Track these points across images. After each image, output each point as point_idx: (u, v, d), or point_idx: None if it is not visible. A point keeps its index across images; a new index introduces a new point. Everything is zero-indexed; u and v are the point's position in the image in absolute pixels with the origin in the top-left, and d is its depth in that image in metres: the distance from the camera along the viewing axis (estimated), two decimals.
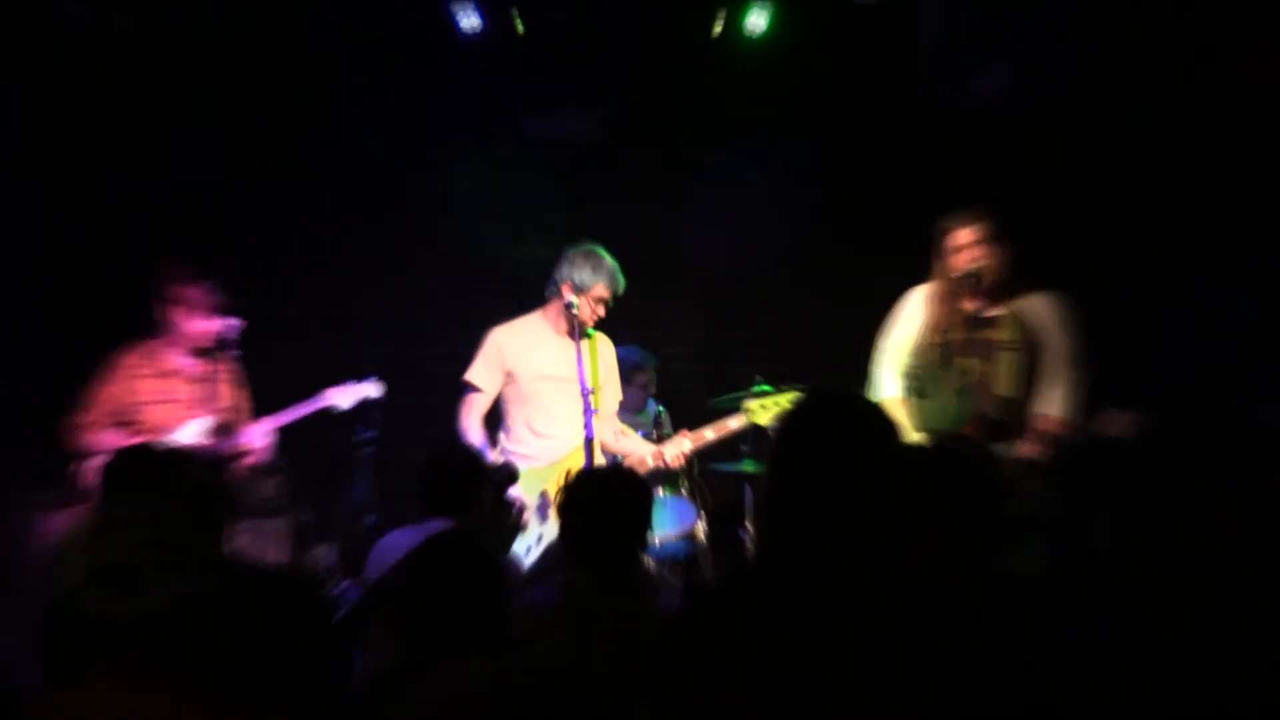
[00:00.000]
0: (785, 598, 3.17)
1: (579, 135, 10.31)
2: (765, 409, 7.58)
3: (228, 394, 7.71)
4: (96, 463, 7.58)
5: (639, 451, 7.74)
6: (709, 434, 7.73)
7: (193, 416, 7.64)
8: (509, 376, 7.66)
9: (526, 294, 9.58)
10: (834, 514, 3.20)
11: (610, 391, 7.90)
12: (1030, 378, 7.28)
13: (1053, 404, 7.24)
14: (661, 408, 8.72)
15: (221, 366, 7.73)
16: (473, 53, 9.77)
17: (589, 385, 7.29)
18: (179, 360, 7.65)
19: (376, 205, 10.24)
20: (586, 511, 4.94)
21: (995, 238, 7.25)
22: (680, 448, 7.67)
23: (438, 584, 3.82)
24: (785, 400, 7.52)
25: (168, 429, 7.58)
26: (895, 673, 3.06)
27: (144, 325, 7.82)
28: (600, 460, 7.60)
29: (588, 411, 7.26)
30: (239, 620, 3.11)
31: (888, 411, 3.38)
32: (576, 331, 7.51)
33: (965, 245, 7.23)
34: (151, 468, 5.16)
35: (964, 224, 7.26)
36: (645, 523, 5.04)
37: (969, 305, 7.33)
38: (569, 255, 7.63)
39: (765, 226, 10.26)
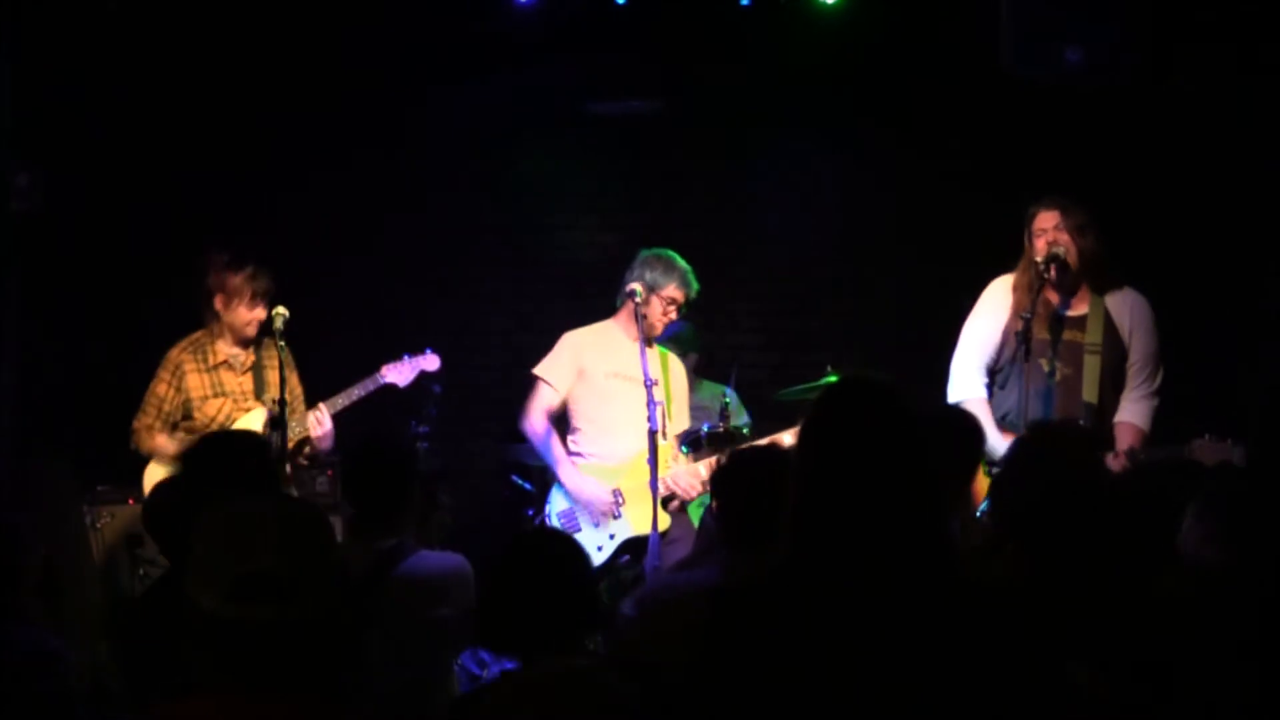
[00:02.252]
0: (807, 595, 3.14)
1: (643, 116, 10.11)
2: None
3: (278, 382, 7.54)
4: (152, 466, 7.67)
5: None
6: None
7: (245, 409, 7.49)
8: (580, 375, 7.52)
9: (586, 280, 9.45)
10: (854, 509, 3.15)
11: (677, 411, 7.75)
12: (1113, 382, 7.12)
13: (1135, 413, 7.10)
14: (729, 397, 8.45)
15: (270, 354, 7.65)
16: (532, 31, 9.60)
17: (652, 378, 7.08)
18: (227, 351, 7.54)
19: (431, 190, 10.10)
20: (744, 492, 4.90)
21: (1082, 224, 7.00)
22: (696, 475, 7.42)
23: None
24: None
25: (221, 424, 7.47)
26: (918, 669, 3.04)
27: (193, 319, 7.72)
28: (667, 454, 7.50)
29: (651, 404, 7.10)
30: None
31: (909, 400, 3.31)
32: (641, 334, 7.33)
33: (1049, 229, 6.98)
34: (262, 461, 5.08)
35: (1048, 208, 7.01)
36: None
37: (1052, 296, 7.13)
38: (641, 258, 7.54)
39: (836, 209, 10.09)
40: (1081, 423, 6.89)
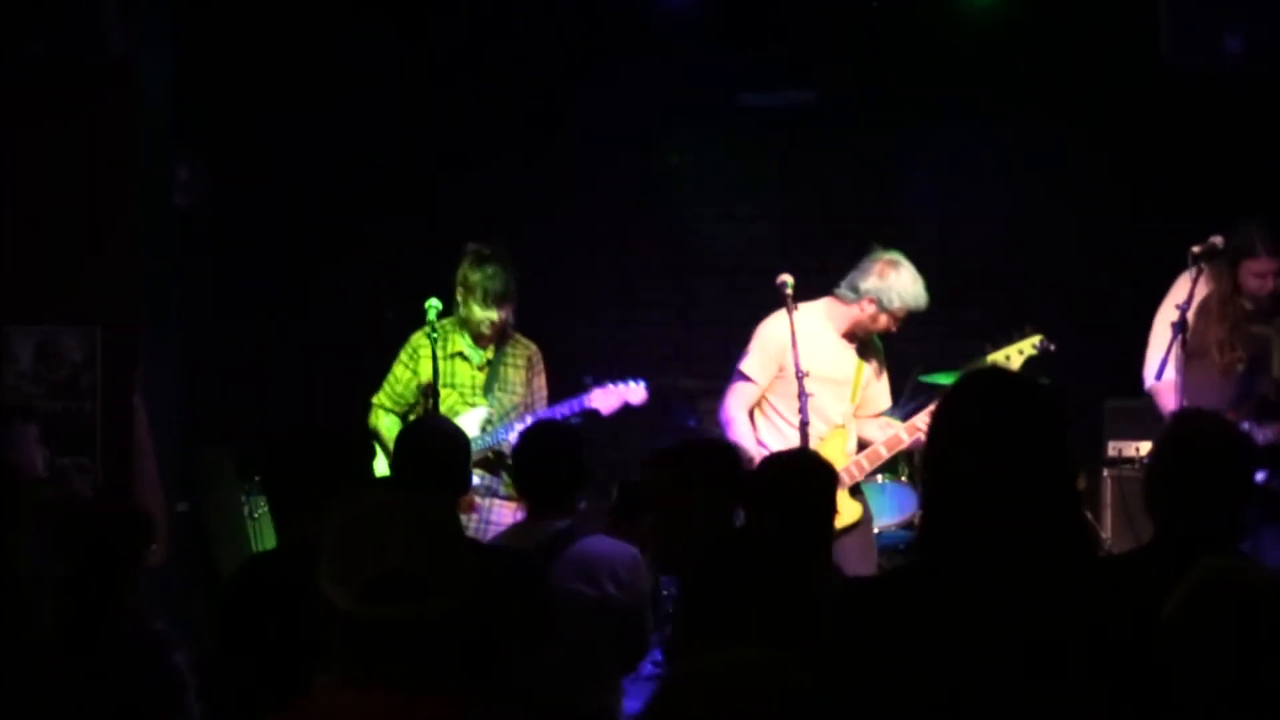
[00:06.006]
0: (946, 588, 3.07)
1: (795, 107, 10.06)
2: (1010, 360, 7.20)
3: (517, 380, 7.63)
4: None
5: (889, 434, 7.39)
6: None
7: (470, 404, 7.51)
8: (781, 371, 7.41)
9: (740, 271, 9.44)
10: (987, 501, 3.07)
11: (875, 394, 7.62)
12: None
13: None
14: None
15: (517, 353, 7.67)
16: (686, 23, 9.58)
17: (804, 370, 6.99)
18: (465, 344, 7.55)
19: (585, 182, 10.13)
20: (775, 500, 4.85)
21: None
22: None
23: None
24: (1028, 346, 7.13)
25: (443, 414, 7.47)
26: (1060, 670, 2.98)
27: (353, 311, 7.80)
28: (840, 442, 7.38)
29: (802, 396, 7.00)
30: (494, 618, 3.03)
31: (1051, 397, 3.21)
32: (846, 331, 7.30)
33: (1268, 275, 7.05)
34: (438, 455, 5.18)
35: (1270, 256, 7.01)
36: (828, 504, 4.97)
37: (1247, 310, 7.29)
38: (877, 265, 7.27)
39: (991, 200, 9.98)
40: (1273, 398, 7.11)
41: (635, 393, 7.60)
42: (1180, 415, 5.69)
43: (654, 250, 10.34)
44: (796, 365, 7.05)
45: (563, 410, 7.51)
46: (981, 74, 9.80)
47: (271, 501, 4.56)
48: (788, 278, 7.31)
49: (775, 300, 7.30)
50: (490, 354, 7.60)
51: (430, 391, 7.29)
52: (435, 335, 7.33)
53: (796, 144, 10.25)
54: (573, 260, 10.25)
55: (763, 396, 7.51)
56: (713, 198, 10.33)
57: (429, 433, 5.65)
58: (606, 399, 7.54)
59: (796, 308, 7.26)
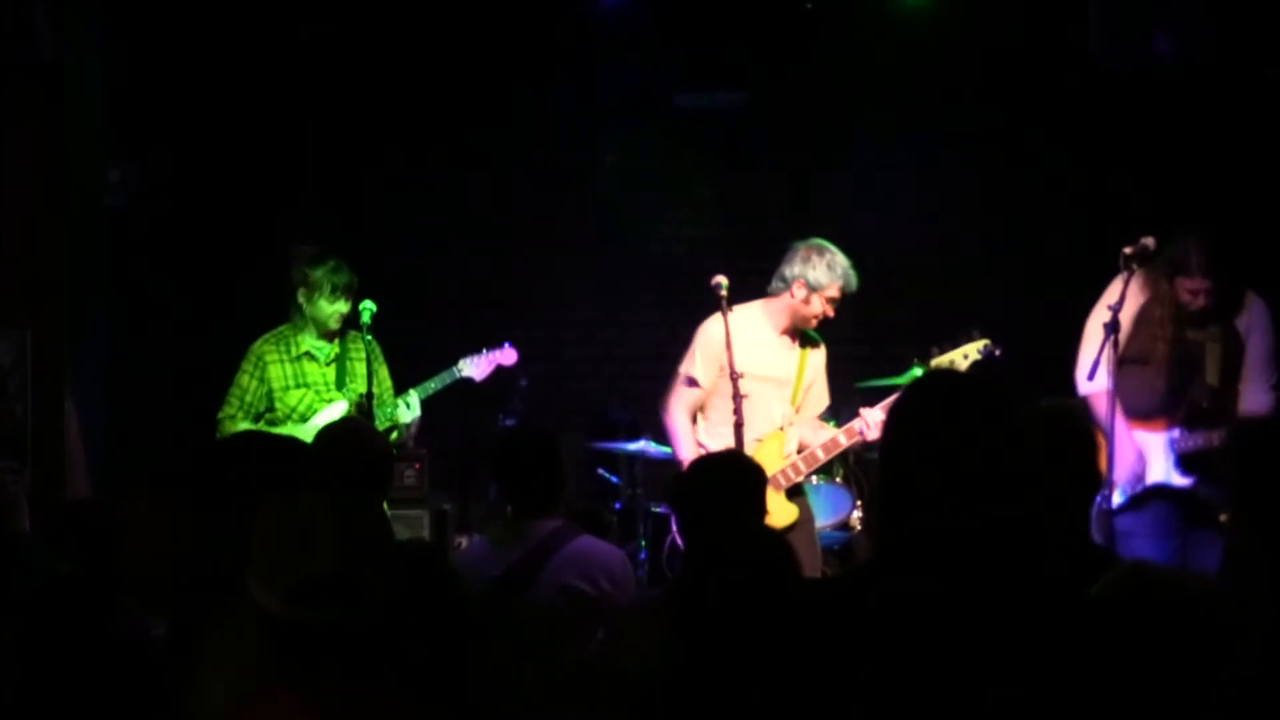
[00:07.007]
0: (899, 593, 3.07)
1: (729, 108, 10.08)
2: (955, 364, 7.31)
3: (365, 374, 7.56)
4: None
5: (825, 436, 7.43)
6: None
7: (327, 400, 7.53)
8: (722, 371, 7.42)
9: (674, 273, 9.44)
10: (938, 504, 3.08)
11: (816, 394, 7.65)
12: (1235, 374, 7.16)
13: (1256, 401, 7.12)
14: None
15: (357, 346, 7.68)
16: (621, 24, 9.58)
17: (738, 371, 7.01)
18: (311, 343, 7.59)
19: (518, 182, 10.11)
20: (703, 500, 4.97)
21: (1223, 273, 7.04)
22: (872, 418, 7.38)
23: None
24: (974, 350, 7.22)
25: (302, 414, 7.52)
26: (1013, 673, 2.98)
27: (282, 312, 7.78)
28: (777, 443, 7.41)
29: (736, 397, 7.01)
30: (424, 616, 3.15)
31: (1004, 399, 3.21)
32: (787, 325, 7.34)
33: (1200, 292, 7.04)
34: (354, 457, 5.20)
35: (1203, 276, 7.02)
36: (756, 506, 5.07)
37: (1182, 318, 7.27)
38: (800, 251, 7.38)
39: (924, 201, 10.03)
40: (1205, 404, 7.05)
41: (505, 355, 7.84)
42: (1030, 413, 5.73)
43: (586, 251, 10.35)
44: (731, 367, 7.06)
45: (435, 385, 7.70)
46: (914, 76, 9.87)
47: (199, 507, 4.53)
48: (722, 279, 7.32)
49: (711, 302, 7.31)
50: (335, 350, 7.66)
51: (365, 397, 7.30)
52: (369, 338, 7.35)
53: (731, 145, 10.27)
54: (505, 261, 10.25)
55: (711, 399, 7.53)
56: (646, 199, 10.35)
57: (355, 435, 5.65)
58: (479, 366, 7.79)
59: (731, 309, 7.27)
